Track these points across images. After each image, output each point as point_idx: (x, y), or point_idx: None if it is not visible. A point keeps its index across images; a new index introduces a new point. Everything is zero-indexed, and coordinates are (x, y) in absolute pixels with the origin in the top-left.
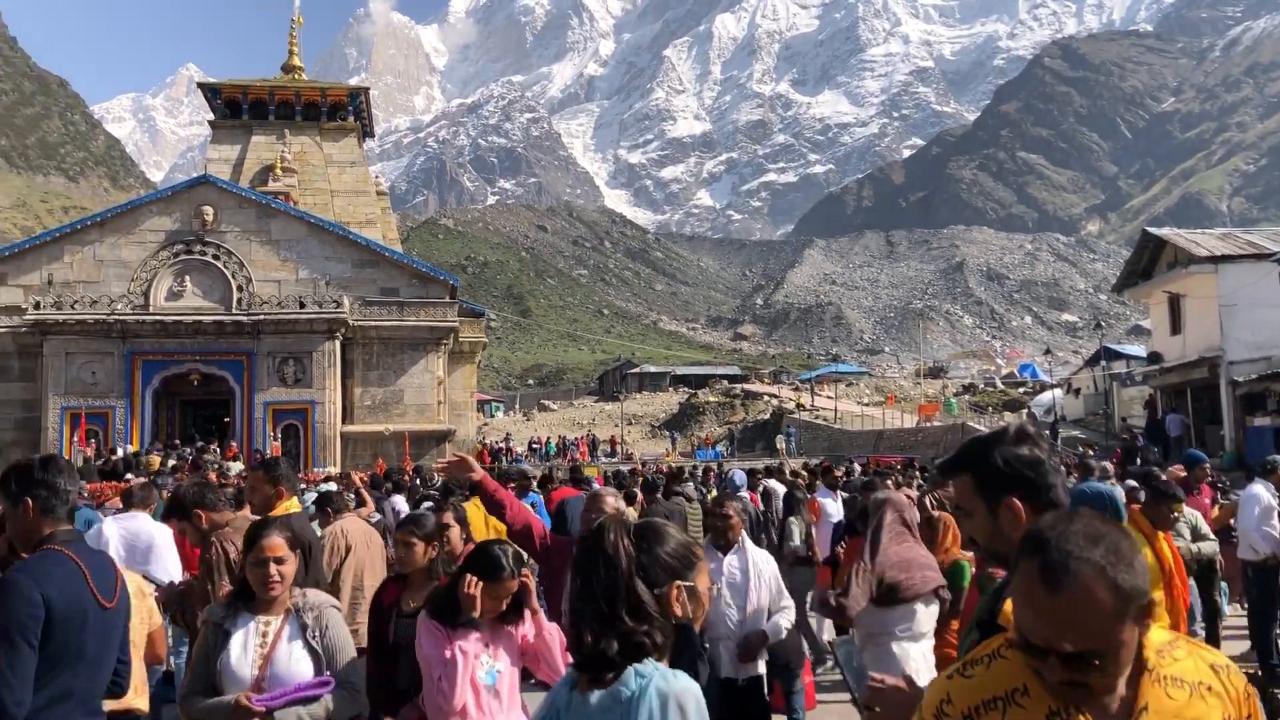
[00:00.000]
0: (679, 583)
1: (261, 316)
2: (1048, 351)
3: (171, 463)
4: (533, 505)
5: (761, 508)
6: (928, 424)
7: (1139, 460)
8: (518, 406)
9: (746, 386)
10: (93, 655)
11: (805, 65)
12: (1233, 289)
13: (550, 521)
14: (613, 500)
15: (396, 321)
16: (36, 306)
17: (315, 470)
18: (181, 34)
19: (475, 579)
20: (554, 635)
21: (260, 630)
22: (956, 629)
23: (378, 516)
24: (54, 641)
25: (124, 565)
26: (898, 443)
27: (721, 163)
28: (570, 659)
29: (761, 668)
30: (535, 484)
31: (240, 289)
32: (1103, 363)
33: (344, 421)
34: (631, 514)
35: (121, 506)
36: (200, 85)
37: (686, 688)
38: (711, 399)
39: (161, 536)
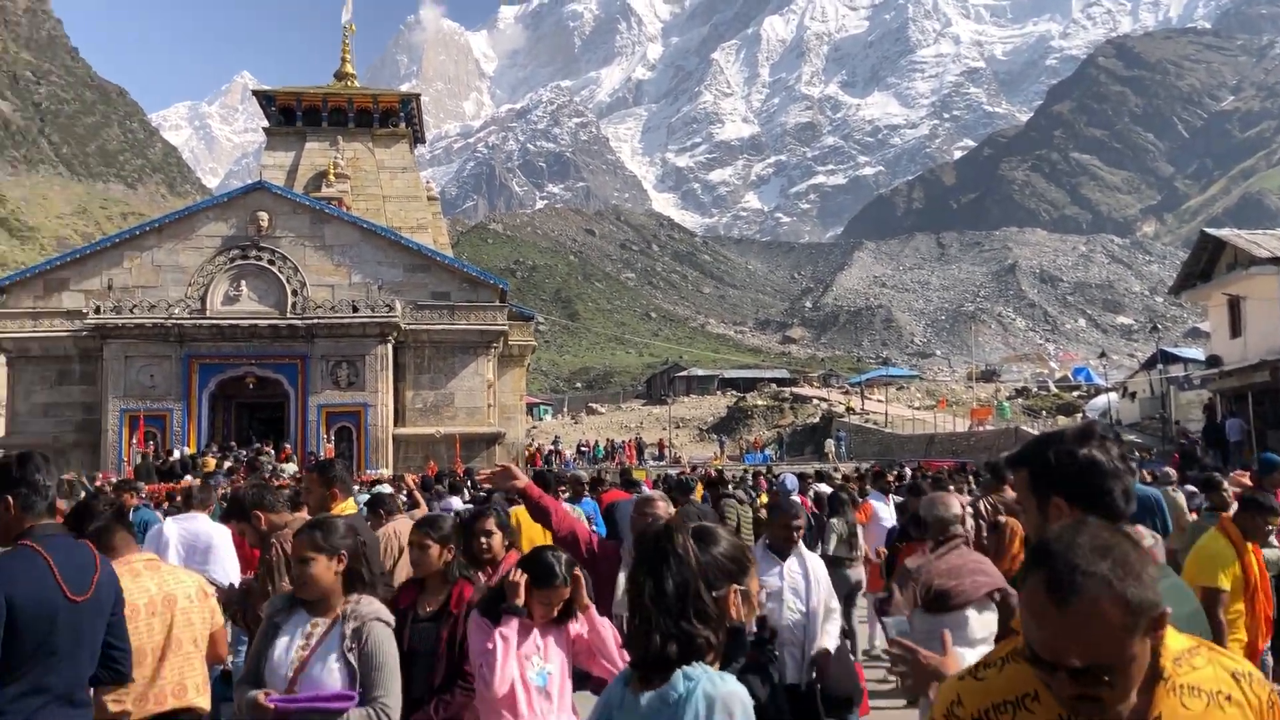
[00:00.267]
0: (736, 586)
1: (315, 320)
2: (1102, 355)
3: (227, 464)
4: (589, 518)
5: (815, 510)
6: (980, 428)
7: (1198, 465)
8: (566, 409)
9: (795, 390)
10: (65, 650)
11: (854, 67)
12: None
13: (605, 528)
14: (663, 504)
15: (447, 325)
16: (97, 311)
17: (368, 472)
18: (236, 42)
19: (521, 571)
20: (608, 629)
21: (306, 632)
22: None
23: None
24: (21, 638)
25: (183, 565)
26: (949, 447)
27: (770, 165)
28: (626, 655)
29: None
30: (588, 489)
31: (295, 293)
32: (1159, 366)
33: (396, 424)
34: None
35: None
36: (255, 93)
37: (733, 691)
38: (760, 402)
39: (220, 537)
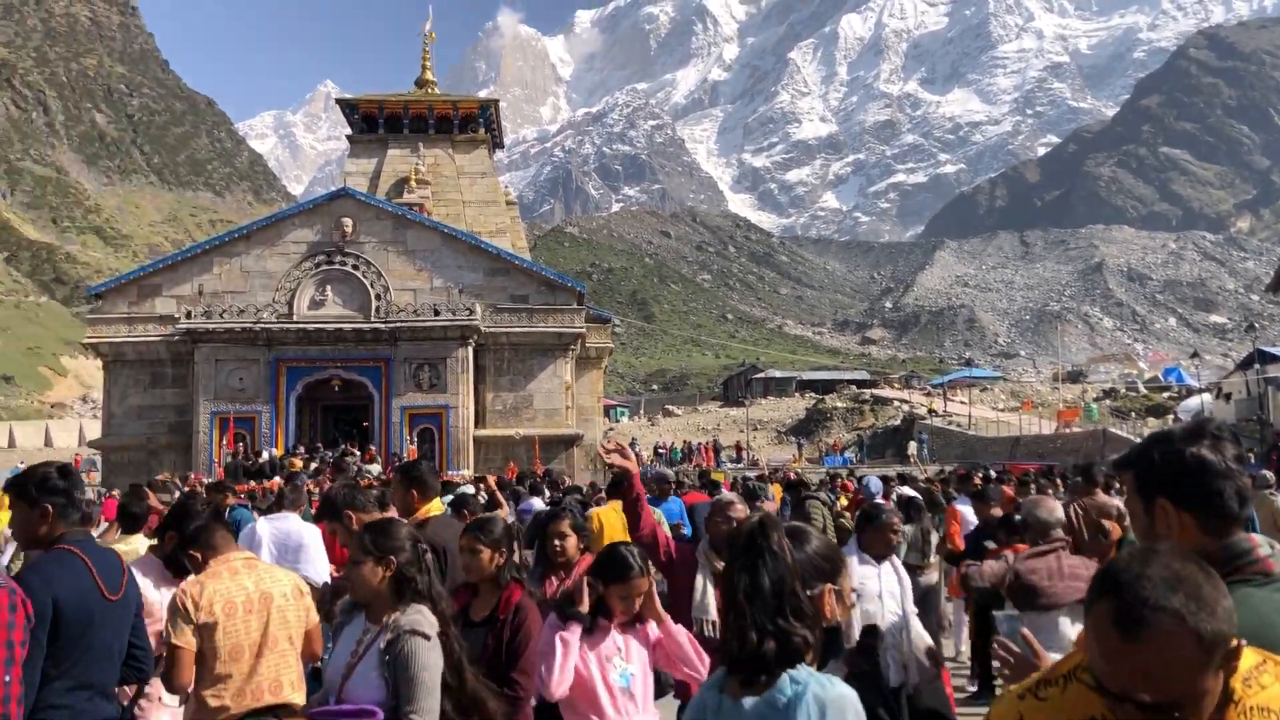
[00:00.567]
0: (830, 586)
1: (398, 324)
2: (1194, 355)
3: (313, 465)
4: (675, 525)
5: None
6: (1067, 430)
7: None
8: (642, 411)
9: (876, 391)
10: (102, 646)
11: (934, 63)
12: None
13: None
14: (740, 507)
15: (526, 328)
16: (188, 316)
17: (449, 473)
18: (319, 52)
19: (591, 576)
20: (684, 635)
21: (358, 638)
22: None
23: (512, 519)
24: (65, 635)
25: (275, 564)
26: (1035, 449)
27: (848, 164)
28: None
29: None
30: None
31: (378, 297)
32: (1256, 366)
33: (476, 425)
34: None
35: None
36: (339, 101)
37: (844, 694)
38: (839, 404)
39: (311, 536)
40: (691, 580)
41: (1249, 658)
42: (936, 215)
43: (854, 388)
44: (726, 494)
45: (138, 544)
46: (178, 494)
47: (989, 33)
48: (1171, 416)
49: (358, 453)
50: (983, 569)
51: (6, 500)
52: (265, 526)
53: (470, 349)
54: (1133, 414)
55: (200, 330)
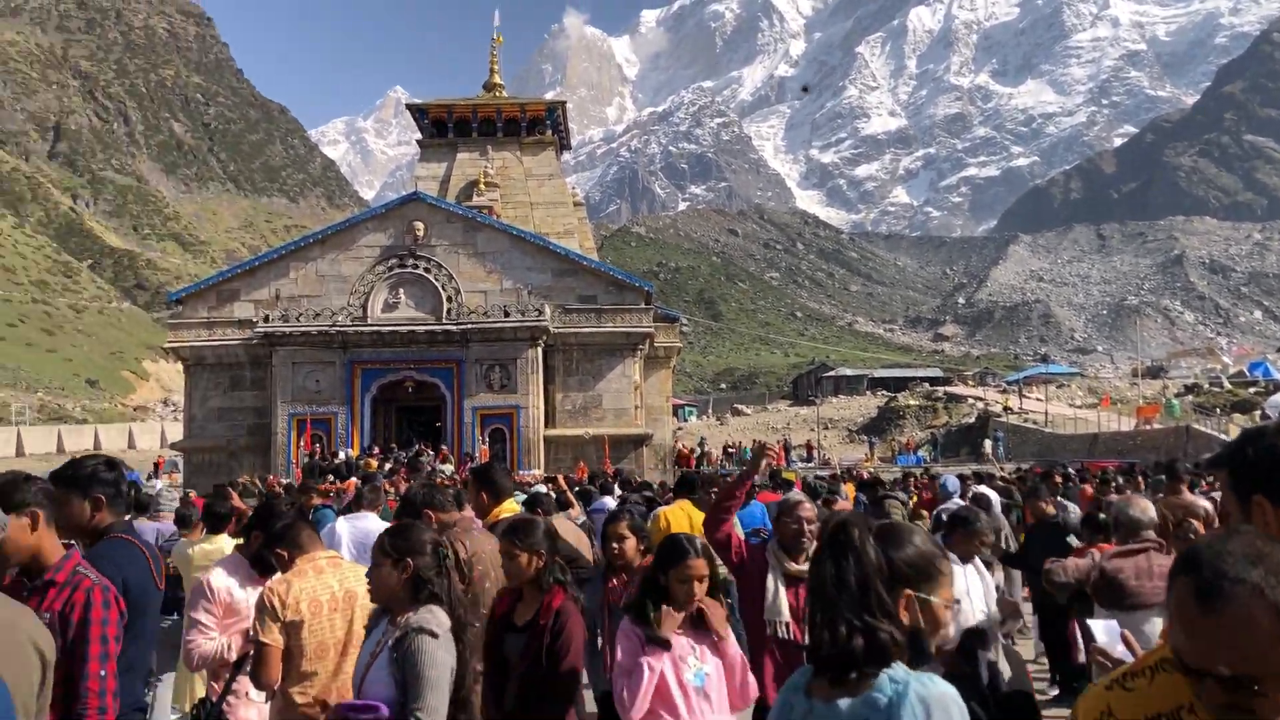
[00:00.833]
0: (909, 592)
1: (470, 325)
2: None
3: (388, 465)
4: (758, 530)
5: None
6: (1147, 427)
7: None
8: (711, 411)
9: (949, 389)
10: (149, 633)
11: (1006, 55)
12: None
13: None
14: (809, 506)
15: (594, 328)
16: (266, 320)
17: (520, 473)
18: (389, 59)
19: (666, 608)
20: (738, 658)
21: (378, 639)
22: None
23: (583, 518)
24: (127, 619)
25: (355, 562)
26: (1115, 447)
27: (918, 158)
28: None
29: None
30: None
31: (450, 299)
32: None
33: (546, 425)
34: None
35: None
36: (409, 107)
37: (946, 692)
38: (912, 402)
39: None
40: (763, 582)
41: None
42: (1009, 209)
43: (927, 385)
44: (795, 494)
45: (222, 543)
46: (261, 495)
47: (1062, 22)
48: (1259, 413)
49: (431, 452)
50: (1066, 564)
51: None
52: (345, 526)
53: (540, 349)
54: (1217, 410)
55: (278, 334)
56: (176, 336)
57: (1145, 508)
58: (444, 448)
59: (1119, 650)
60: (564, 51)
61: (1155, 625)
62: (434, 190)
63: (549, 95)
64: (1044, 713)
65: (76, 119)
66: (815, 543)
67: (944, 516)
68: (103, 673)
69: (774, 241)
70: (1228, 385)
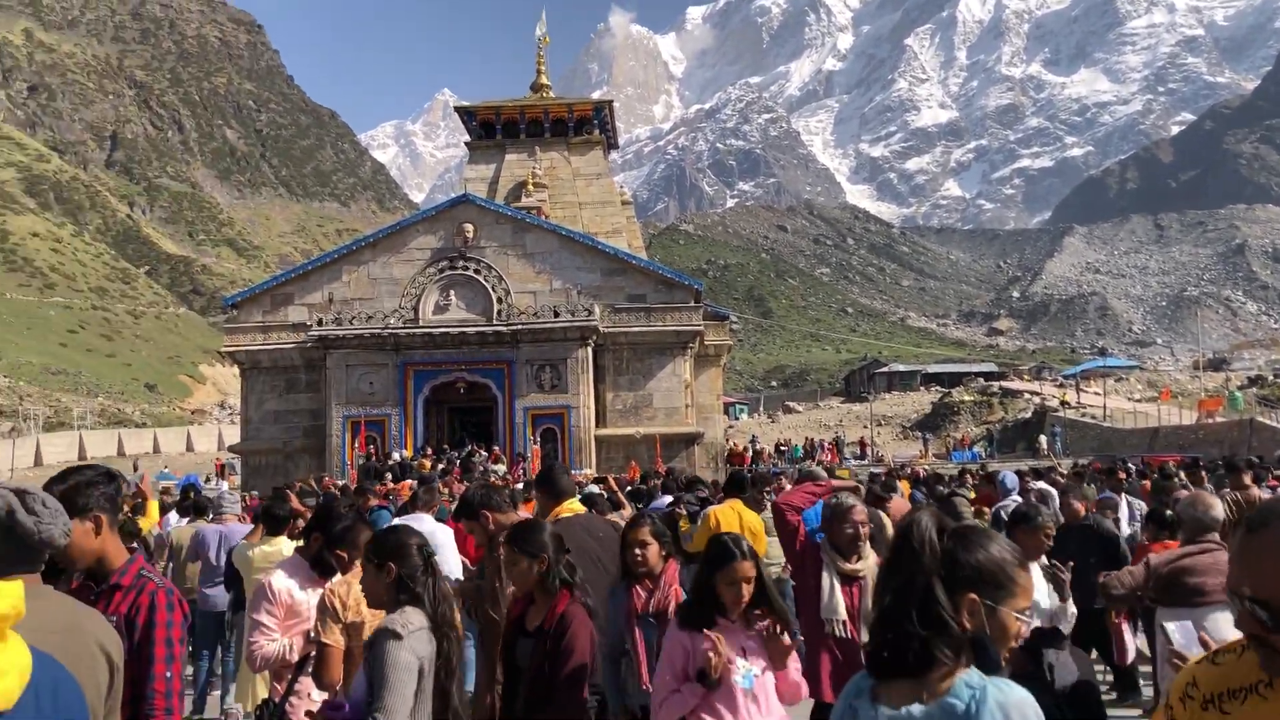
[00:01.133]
0: (971, 595)
1: (520, 326)
2: None
3: (440, 466)
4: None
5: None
6: (1209, 420)
7: None
8: (762, 408)
9: (1005, 384)
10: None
11: (1058, 44)
12: None
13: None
14: (861, 510)
15: (644, 327)
16: (320, 323)
17: (572, 473)
18: (436, 62)
19: (717, 639)
20: (796, 678)
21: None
22: None
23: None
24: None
25: None
26: (1176, 441)
27: (970, 151)
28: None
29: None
30: None
31: (500, 300)
32: None
33: (597, 425)
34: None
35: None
36: (457, 109)
37: (1024, 697)
38: (967, 398)
39: (444, 536)
40: (819, 581)
41: None
42: (1064, 200)
43: (981, 380)
44: (847, 497)
45: (282, 545)
46: (320, 497)
47: (1116, 9)
48: None
49: (484, 453)
50: (1120, 577)
51: (155, 505)
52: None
53: (590, 349)
54: None
55: (331, 337)
56: (232, 341)
57: (1210, 506)
58: (496, 448)
59: (1194, 652)
60: (610, 50)
61: (1220, 620)
62: (483, 192)
63: (596, 94)
64: (1111, 712)
65: (132, 128)
66: (867, 543)
67: (1003, 514)
68: (168, 674)
69: (824, 237)
70: None
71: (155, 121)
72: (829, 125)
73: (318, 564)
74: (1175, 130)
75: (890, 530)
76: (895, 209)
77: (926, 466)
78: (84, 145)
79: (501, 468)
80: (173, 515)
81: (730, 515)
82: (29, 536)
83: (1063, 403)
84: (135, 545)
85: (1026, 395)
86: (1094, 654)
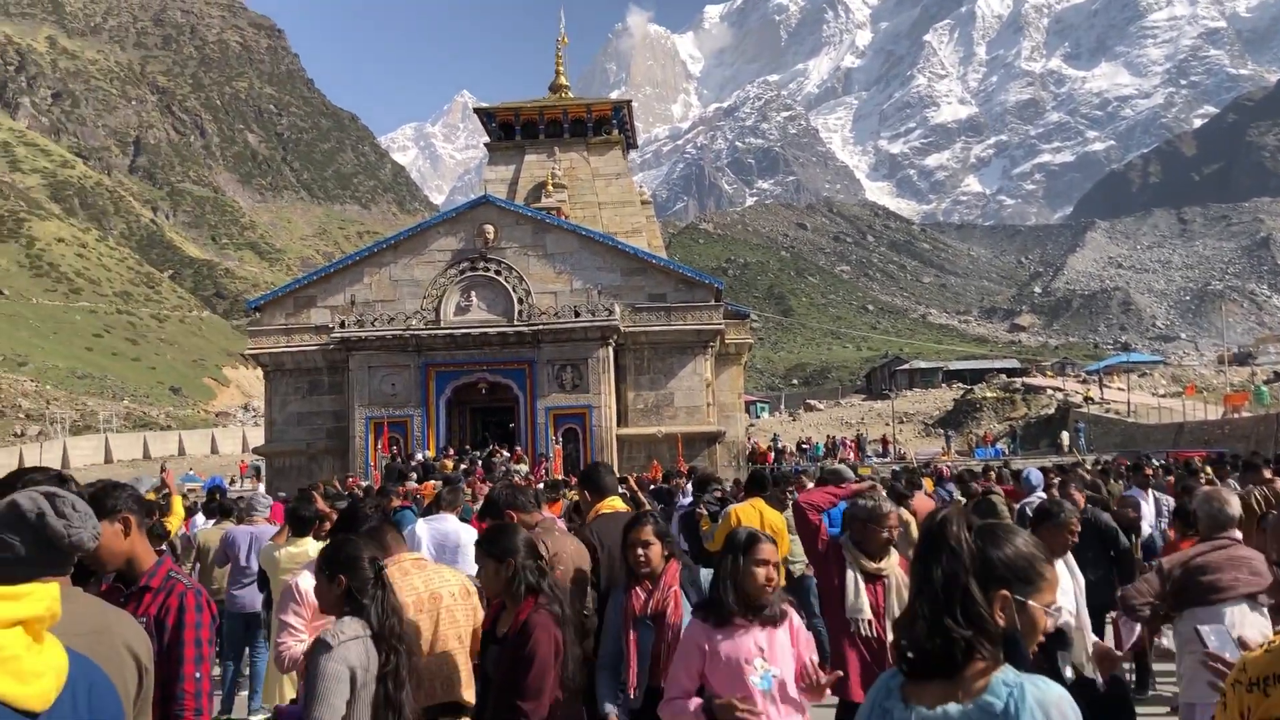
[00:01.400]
0: (1004, 592)
1: (541, 326)
2: None
3: (463, 466)
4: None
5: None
6: (1235, 415)
7: None
8: (783, 407)
9: (1027, 380)
10: None
11: (1079, 38)
12: None
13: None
14: (896, 514)
15: (664, 326)
16: (342, 325)
17: None
18: (455, 64)
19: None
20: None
21: None
22: None
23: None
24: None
25: (435, 562)
26: (1201, 436)
27: (990, 146)
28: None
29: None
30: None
31: (520, 301)
32: None
33: (619, 424)
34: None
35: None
36: (476, 111)
37: (1062, 694)
38: (989, 394)
39: (468, 536)
40: (843, 578)
41: None
42: (1086, 195)
43: (1004, 377)
44: (883, 501)
45: (308, 546)
46: (345, 499)
47: (1136, 2)
48: None
49: (506, 453)
50: (1138, 589)
51: (179, 501)
52: (424, 528)
53: (611, 349)
54: None
55: (354, 339)
56: (256, 343)
57: (1226, 501)
58: (518, 448)
59: (1230, 654)
60: (628, 50)
61: (1244, 614)
62: (502, 193)
63: (614, 94)
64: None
65: (155, 133)
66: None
67: (1028, 511)
68: (197, 675)
69: (844, 234)
70: None
71: (178, 126)
72: (848, 122)
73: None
74: (1198, 123)
75: (915, 529)
76: (915, 206)
77: (949, 463)
78: (108, 151)
79: (523, 468)
80: (199, 517)
81: (751, 514)
82: (60, 540)
83: (1086, 399)
84: (164, 548)
85: (1049, 391)
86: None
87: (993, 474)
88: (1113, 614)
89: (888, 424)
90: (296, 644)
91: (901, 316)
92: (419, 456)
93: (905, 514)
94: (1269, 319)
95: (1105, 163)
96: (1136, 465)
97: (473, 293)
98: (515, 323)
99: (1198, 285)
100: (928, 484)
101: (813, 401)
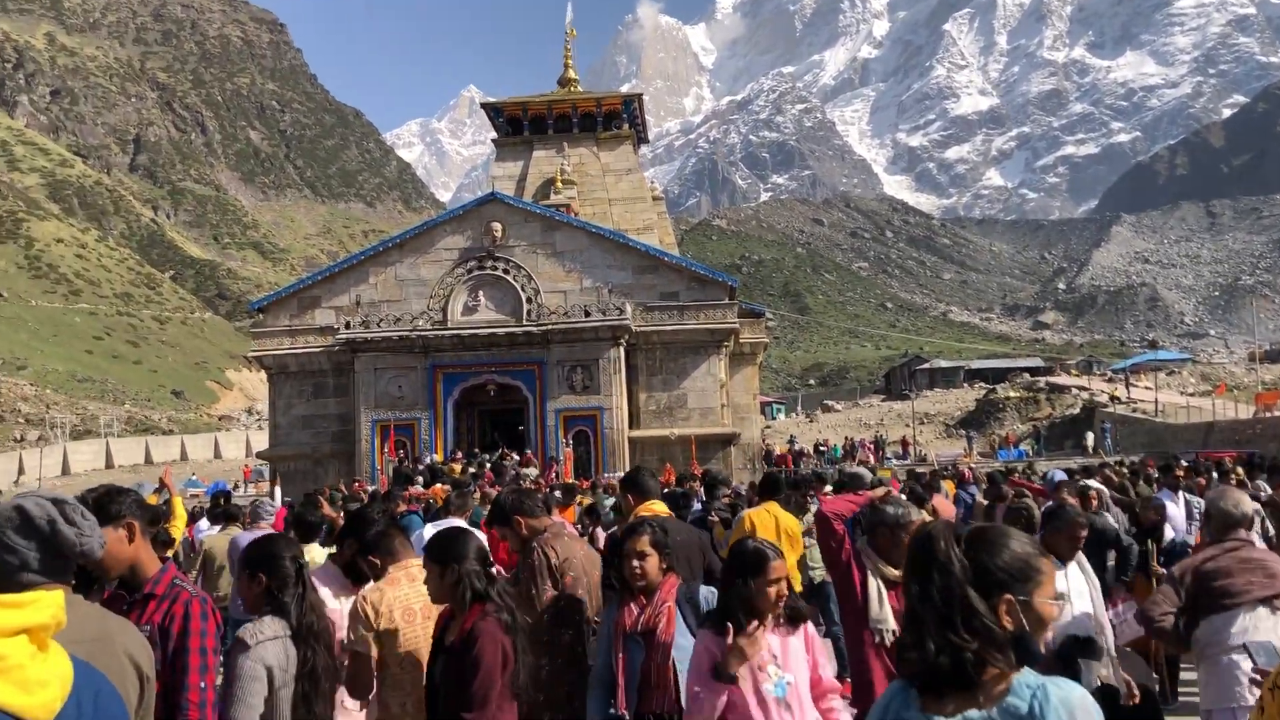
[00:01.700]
0: (1008, 596)
1: (550, 326)
2: None
3: (471, 470)
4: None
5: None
6: (1267, 414)
7: None
8: (800, 408)
9: (1051, 379)
10: None
11: (1103, 26)
12: None
13: None
14: (922, 519)
15: (677, 325)
16: (347, 326)
17: (606, 476)
18: (461, 58)
19: (739, 641)
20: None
21: None
22: None
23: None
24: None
25: None
26: (1231, 436)
27: (1012, 138)
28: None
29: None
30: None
31: (529, 300)
32: None
33: (631, 426)
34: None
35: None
36: (483, 106)
37: (1084, 694)
38: (1012, 394)
39: None
40: (864, 583)
41: None
42: (1111, 188)
43: (1027, 376)
44: (908, 509)
45: (314, 552)
46: (346, 502)
47: None
48: None
49: (515, 456)
50: (1157, 603)
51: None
52: (432, 533)
53: (622, 349)
54: None
55: (359, 340)
56: (259, 345)
57: (1239, 500)
58: (528, 451)
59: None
60: (639, 43)
61: (1259, 619)
62: (510, 190)
63: (625, 88)
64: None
65: (155, 130)
66: None
67: None
68: (202, 684)
69: (862, 230)
70: None
71: (178, 124)
72: (865, 115)
73: (351, 571)
74: (1227, 113)
75: None
76: (935, 200)
77: (971, 465)
78: (107, 149)
79: (533, 471)
80: (203, 522)
81: (766, 519)
82: (70, 548)
83: (1112, 398)
84: (169, 555)
85: (1074, 391)
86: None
87: (1015, 477)
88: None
89: (907, 425)
90: None
91: (921, 314)
92: (426, 460)
93: (926, 518)
94: None
95: (1131, 155)
96: (1166, 466)
97: (480, 292)
98: (524, 323)
99: (1227, 280)
100: (949, 486)
101: (830, 402)
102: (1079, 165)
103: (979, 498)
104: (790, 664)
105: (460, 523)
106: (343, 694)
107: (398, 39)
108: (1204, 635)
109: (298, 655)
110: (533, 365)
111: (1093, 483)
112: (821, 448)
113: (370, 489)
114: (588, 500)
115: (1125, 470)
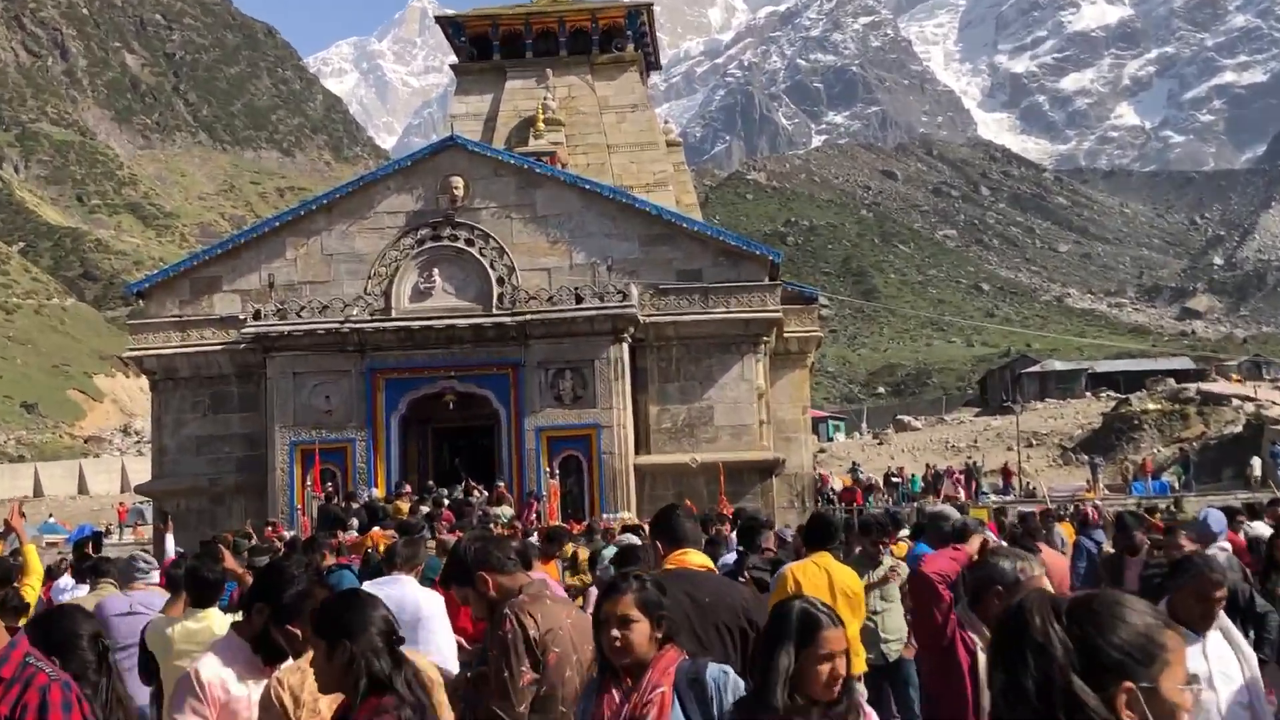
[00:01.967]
0: (1129, 684)
1: (529, 316)
2: None
3: (424, 509)
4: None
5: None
6: None
7: None
8: (865, 425)
9: (1205, 386)
10: None
11: None
12: None
13: None
14: (1044, 576)
15: (700, 314)
16: (256, 316)
17: (605, 517)
18: None
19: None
20: None
21: None
22: None
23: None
24: None
25: None
26: None
27: (1151, 62)
28: None
29: None
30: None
31: (501, 282)
32: None
33: (637, 451)
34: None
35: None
36: (439, 20)
37: None
38: (1151, 406)
39: (431, 606)
40: (973, 662)
41: None
42: None
43: (1172, 382)
44: (1013, 564)
45: (213, 620)
46: (250, 550)
47: None
48: None
49: (483, 491)
50: None
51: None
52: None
53: (626, 347)
54: None
55: (273, 335)
56: (139, 341)
57: None
58: (499, 484)
59: None
60: None
61: None
62: (476, 133)
63: None
64: None
65: None
66: None
67: None
68: None
69: (948, 186)
70: None
71: (30, 45)
72: (952, 32)
73: (261, 645)
74: None
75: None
76: (1048, 146)
77: (1097, 503)
78: None
79: (507, 510)
80: (65, 579)
81: (816, 575)
82: None
83: None
84: (19, 626)
85: (1235, 401)
86: None
87: (1150, 521)
88: None
89: (1010, 448)
90: None
91: (1029, 299)
92: (364, 496)
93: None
94: None
95: None
96: None
97: (435, 270)
98: (494, 311)
99: None
100: (1067, 531)
101: (906, 417)
102: (1240, 99)
103: (1106, 547)
104: None
105: (409, 580)
106: None
107: None
108: None
109: None
110: (506, 369)
111: (1259, 526)
112: (895, 479)
113: (288, 535)
114: (581, 550)
115: None
